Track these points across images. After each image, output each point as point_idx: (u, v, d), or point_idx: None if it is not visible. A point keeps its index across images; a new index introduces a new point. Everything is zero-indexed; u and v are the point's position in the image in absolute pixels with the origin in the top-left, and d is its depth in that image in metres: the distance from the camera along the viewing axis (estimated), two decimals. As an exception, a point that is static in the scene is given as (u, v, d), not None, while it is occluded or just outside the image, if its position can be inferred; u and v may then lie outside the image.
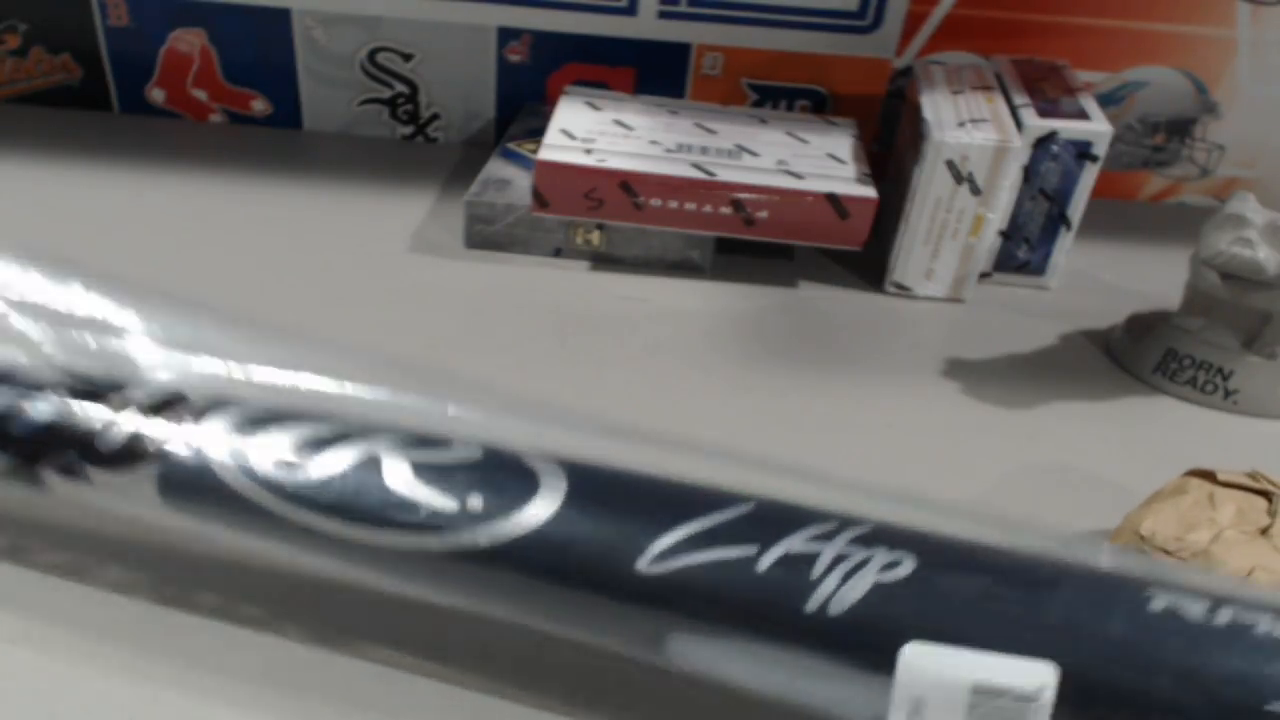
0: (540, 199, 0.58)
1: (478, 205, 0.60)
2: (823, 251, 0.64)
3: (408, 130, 0.74)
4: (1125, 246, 0.68)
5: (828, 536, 0.29)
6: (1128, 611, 0.27)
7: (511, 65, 0.71)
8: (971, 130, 0.56)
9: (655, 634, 0.30)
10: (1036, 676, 0.27)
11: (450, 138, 0.74)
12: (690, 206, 0.58)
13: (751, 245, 0.60)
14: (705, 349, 0.54)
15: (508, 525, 0.31)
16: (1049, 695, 0.26)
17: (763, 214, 0.58)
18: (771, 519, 0.30)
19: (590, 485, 0.32)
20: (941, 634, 0.28)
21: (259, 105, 0.74)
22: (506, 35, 0.70)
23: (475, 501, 0.31)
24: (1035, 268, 0.62)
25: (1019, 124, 0.57)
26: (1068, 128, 0.57)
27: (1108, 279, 0.63)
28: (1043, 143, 0.57)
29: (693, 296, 0.59)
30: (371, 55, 0.71)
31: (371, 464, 0.32)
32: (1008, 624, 0.27)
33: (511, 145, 0.66)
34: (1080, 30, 0.68)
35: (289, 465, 0.33)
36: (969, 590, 0.28)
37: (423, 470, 0.32)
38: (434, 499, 0.31)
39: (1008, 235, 0.61)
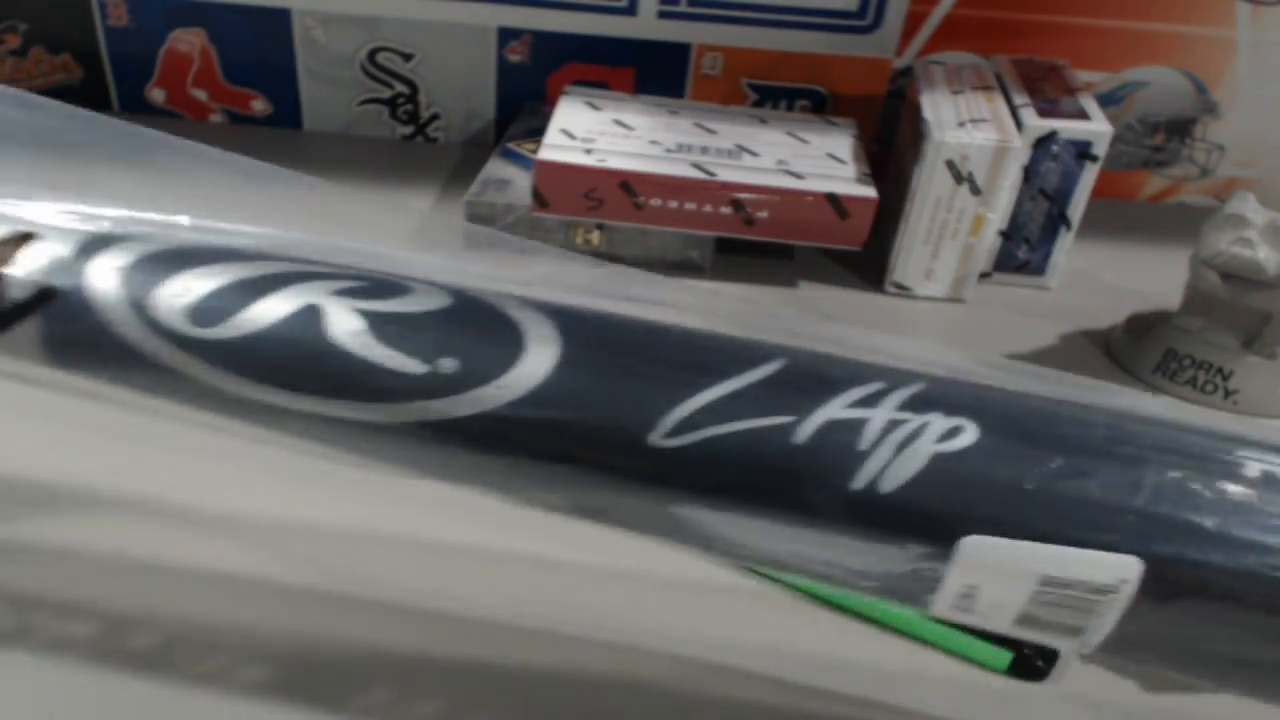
0: (540, 199, 0.58)
1: (478, 205, 0.60)
2: (823, 251, 0.64)
3: (408, 130, 0.74)
4: (1125, 246, 0.68)
5: (875, 400, 0.25)
6: (1222, 486, 0.24)
7: (511, 65, 0.71)
8: (971, 130, 0.56)
9: (676, 519, 0.26)
10: (1117, 570, 0.23)
11: (450, 138, 0.74)
12: (690, 206, 0.58)
13: (751, 245, 0.60)
14: (705, 349, 0.54)
15: (489, 392, 0.25)
16: (1129, 589, 0.23)
17: (763, 214, 0.58)
18: (807, 378, 0.26)
19: (588, 341, 0.26)
20: (1009, 516, 0.24)
21: (259, 105, 0.74)
22: (506, 35, 0.70)
23: (448, 363, 0.25)
24: (1035, 268, 0.62)
25: (1019, 124, 0.57)
26: (1068, 128, 0.57)
27: (1108, 279, 0.63)
28: (1043, 143, 0.57)
29: (693, 296, 0.59)
30: (371, 55, 0.71)
31: (310, 314, 0.26)
32: (1086, 506, 0.24)
33: (511, 145, 0.66)
34: (1080, 30, 0.68)
35: (203, 315, 0.26)
36: (1041, 466, 0.24)
37: (378, 322, 0.26)
38: (394, 359, 0.25)
39: (1008, 235, 0.61)
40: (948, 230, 0.58)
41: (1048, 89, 0.61)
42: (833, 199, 0.57)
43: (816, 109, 0.72)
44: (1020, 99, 0.59)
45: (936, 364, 0.27)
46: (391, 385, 0.25)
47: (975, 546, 0.24)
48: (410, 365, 0.25)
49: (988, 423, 0.25)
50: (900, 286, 0.60)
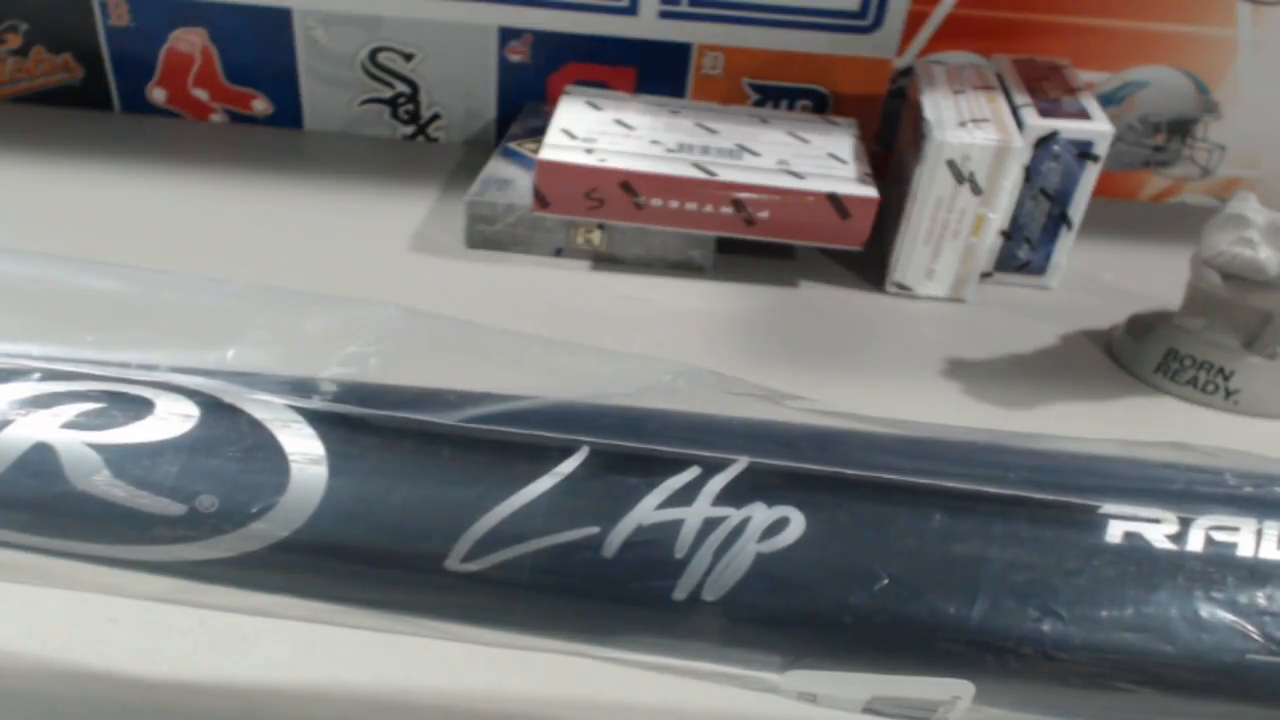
0: (541, 199, 0.58)
1: (479, 205, 0.60)
2: (823, 251, 0.64)
3: (409, 130, 0.74)
4: (1126, 246, 0.68)
5: (689, 494, 0.22)
6: (1073, 568, 0.22)
7: (512, 65, 0.71)
8: (973, 130, 0.56)
9: (495, 638, 0.24)
10: (948, 689, 0.22)
11: (451, 137, 0.74)
12: (691, 206, 0.58)
13: (752, 245, 0.60)
14: (706, 349, 0.54)
15: (259, 528, 0.22)
16: (965, 702, 0.22)
17: (764, 214, 0.58)
18: (612, 472, 0.23)
19: (359, 453, 0.23)
20: (832, 651, 0.22)
21: (260, 105, 0.74)
22: (507, 35, 0.70)
23: (206, 500, 0.23)
24: (1036, 268, 0.62)
25: (1020, 124, 0.57)
26: (1069, 127, 0.57)
27: (1109, 279, 0.63)
28: (1044, 142, 0.57)
29: (693, 296, 0.59)
30: (372, 55, 0.71)
31: (43, 455, 0.23)
32: (912, 639, 0.22)
33: (512, 145, 0.66)
34: (1081, 30, 0.68)
35: None
36: (865, 588, 0.22)
37: (119, 458, 0.23)
38: (147, 500, 0.22)
39: (1009, 235, 0.61)
40: (949, 230, 0.58)
41: (1049, 89, 0.61)
42: (834, 199, 0.57)
43: (817, 109, 0.72)
44: (1021, 99, 0.59)
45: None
46: (152, 528, 0.22)
47: (800, 676, 0.22)
48: (167, 506, 0.22)
49: (813, 514, 0.22)
50: (901, 286, 0.60)
